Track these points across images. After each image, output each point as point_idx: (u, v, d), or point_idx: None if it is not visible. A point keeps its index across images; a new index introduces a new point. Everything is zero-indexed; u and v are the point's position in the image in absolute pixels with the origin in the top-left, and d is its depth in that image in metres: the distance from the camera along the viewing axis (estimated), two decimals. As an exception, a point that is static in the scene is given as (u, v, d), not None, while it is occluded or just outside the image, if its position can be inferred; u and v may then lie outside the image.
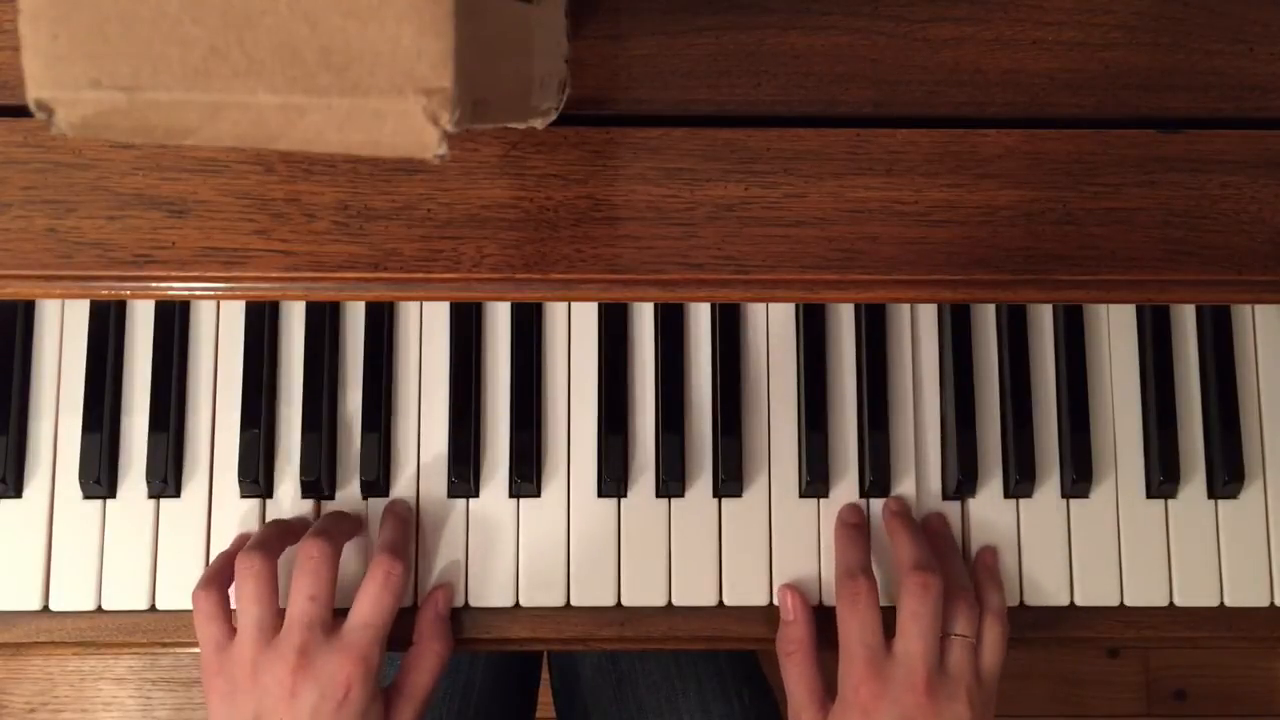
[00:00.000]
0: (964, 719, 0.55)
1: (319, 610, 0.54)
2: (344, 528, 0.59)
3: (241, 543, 0.60)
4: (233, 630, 0.56)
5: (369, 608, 0.55)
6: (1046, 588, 0.62)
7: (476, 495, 0.62)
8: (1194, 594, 0.62)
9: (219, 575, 0.58)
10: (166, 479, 0.61)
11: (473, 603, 0.61)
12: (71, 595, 0.60)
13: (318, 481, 0.61)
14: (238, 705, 0.54)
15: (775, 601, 0.61)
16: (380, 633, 0.55)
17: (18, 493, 0.61)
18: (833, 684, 0.58)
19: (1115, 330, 0.64)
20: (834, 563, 0.60)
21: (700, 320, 0.63)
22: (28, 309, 0.62)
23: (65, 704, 1.35)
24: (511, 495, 0.62)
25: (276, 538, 0.58)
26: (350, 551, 0.60)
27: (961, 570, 0.60)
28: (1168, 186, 0.54)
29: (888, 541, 0.61)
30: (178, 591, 0.60)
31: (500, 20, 0.41)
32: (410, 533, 0.60)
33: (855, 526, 0.61)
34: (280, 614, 0.55)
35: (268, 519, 0.61)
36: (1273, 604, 0.62)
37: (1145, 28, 0.54)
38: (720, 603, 0.61)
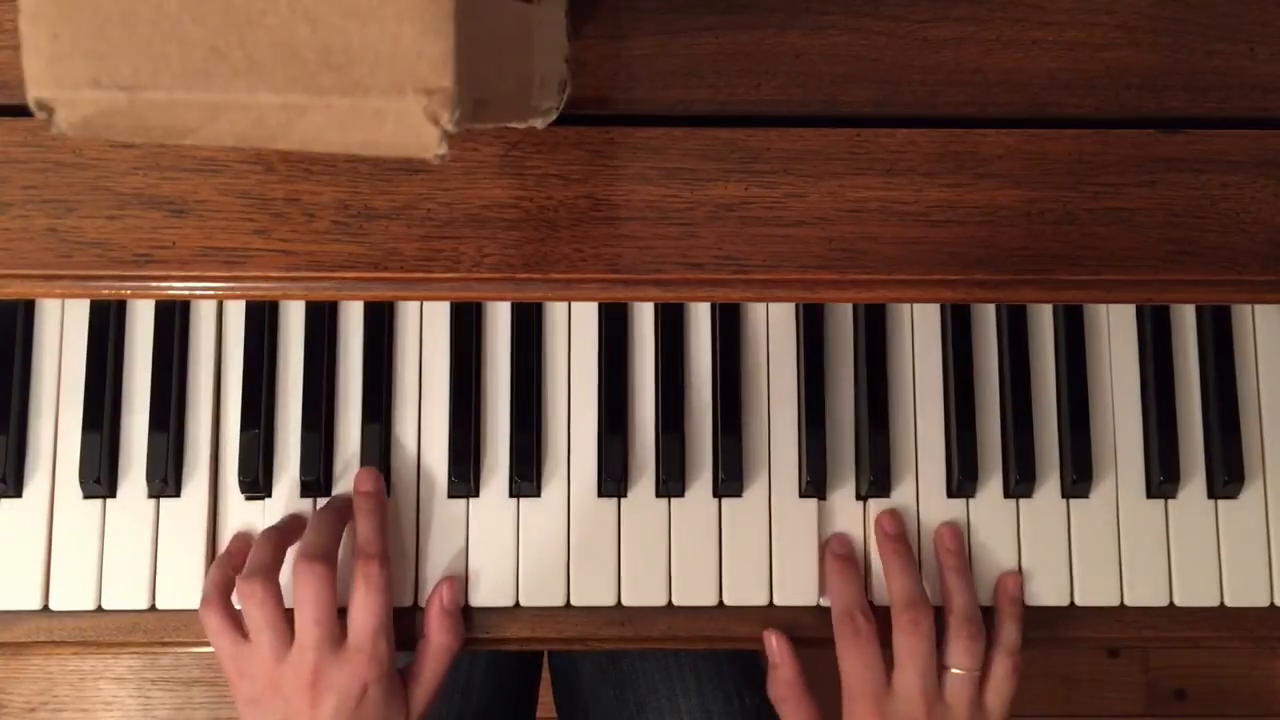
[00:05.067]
0: None
1: (324, 631, 0.55)
2: (333, 534, 0.59)
3: (238, 545, 0.60)
4: (244, 633, 0.57)
5: (361, 615, 0.56)
6: (1046, 588, 0.62)
7: (476, 495, 0.62)
8: (1194, 594, 0.62)
9: (219, 588, 0.58)
10: (166, 479, 0.61)
11: (473, 603, 0.61)
12: (71, 595, 0.60)
13: (317, 481, 0.61)
14: (264, 712, 0.56)
15: (776, 601, 0.61)
16: (380, 630, 0.56)
17: (18, 492, 0.61)
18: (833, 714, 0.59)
19: (1115, 330, 0.64)
20: (830, 600, 0.60)
21: (700, 320, 0.63)
22: (28, 309, 0.62)
23: (65, 704, 1.35)
24: (511, 495, 0.62)
25: (273, 552, 0.58)
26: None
27: (967, 598, 0.60)
28: (1168, 186, 0.54)
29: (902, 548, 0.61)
30: (178, 591, 0.60)
31: (501, 20, 0.41)
32: (382, 519, 0.60)
33: (844, 559, 0.61)
34: (290, 630, 0.56)
35: (267, 518, 0.61)
36: (1273, 604, 0.62)
37: (1145, 28, 0.55)
38: (720, 602, 0.61)
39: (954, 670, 0.58)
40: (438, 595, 0.60)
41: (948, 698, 0.57)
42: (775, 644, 0.61)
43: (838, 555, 0.61)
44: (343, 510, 0.60)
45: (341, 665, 0.55)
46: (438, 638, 0.59)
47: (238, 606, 0.57)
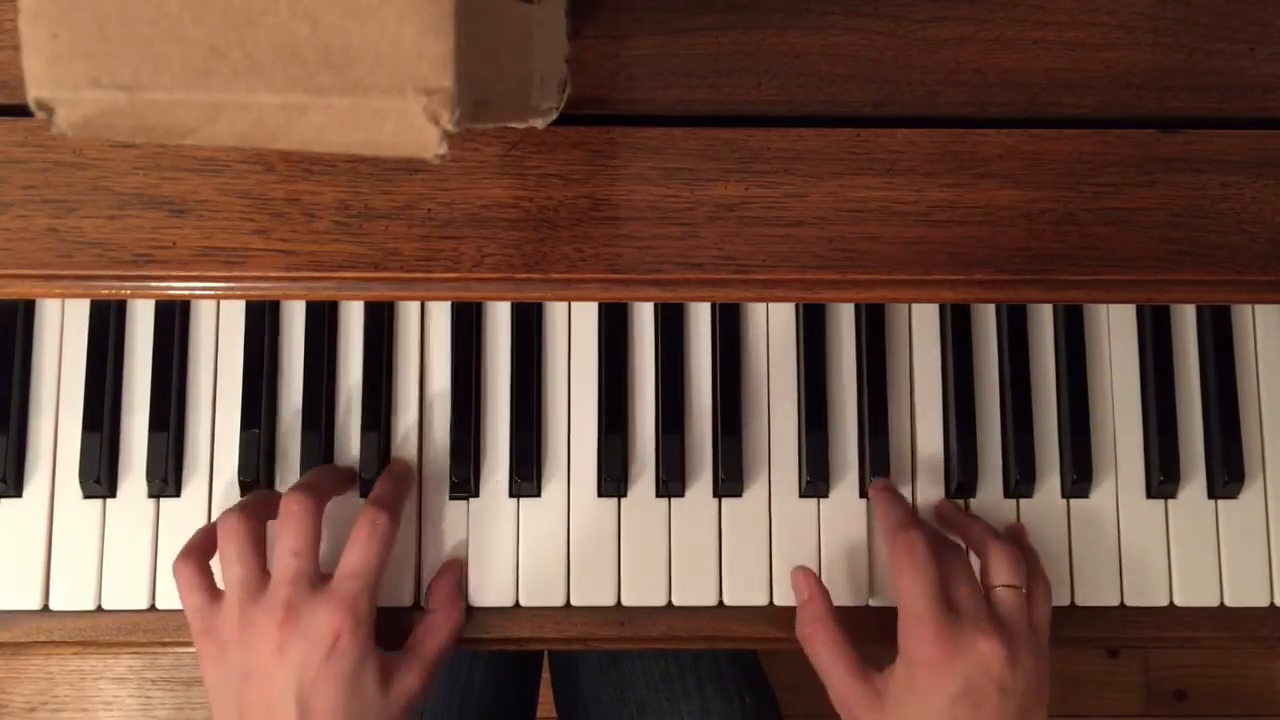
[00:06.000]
0: (1027, 663, 0.54)
1: (303, 564, 0.53)
2: (328, 481, 0.58)
3: None
4: (217, 595, 0.55)
5: (356, 557, 0.54)
6: (1046, 588, 0.62)
7: (476, 495, 0.62)
8: (1194, 594, 0.62)
9: (198, 546, 0.57)
10: (166, 478, 0.61)
11: (473, 602, 0.61)
12: (71, 594, 0.60)
13: (318, 481, 0.61)
14: (228, 665, 0.53)
15: (776, 601, 0.61)
16: (368, 582, 0.54)
17: (18, 492, 0.61)
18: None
19: (1115, 330, 0.64)
20: (879, 522, 0.60)
21: (700, 320, 0.63)
22: (28, 309, 0.62)
23: (65, 703, 1.35)
24: (511, 495, 0.62)
25: (260, 502, 0.57)
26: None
27: (983, 524, 0.59)
28: (1168, 186, 0.54)
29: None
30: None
31: (501, 20, 0.41)
32: (406, 489, 0.60)
33: (887, 488, 0.61)
34: (265, 573, 0.54)
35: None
36: (1273, 604, 0.62)
37: (1146, 28, 0.55)
38: (720, 602, 0.61)
39: (1000, 587, 0.55)
40: (450, 569, 0.60)
41: (1003, 615, 0.55)
42: (802, 578, 0.59)
43: (880, 488, 0.61)
44: (344, 472, 0.60)
45: (316, 606, 0.52)
46: (444, 611, 0.58)
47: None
